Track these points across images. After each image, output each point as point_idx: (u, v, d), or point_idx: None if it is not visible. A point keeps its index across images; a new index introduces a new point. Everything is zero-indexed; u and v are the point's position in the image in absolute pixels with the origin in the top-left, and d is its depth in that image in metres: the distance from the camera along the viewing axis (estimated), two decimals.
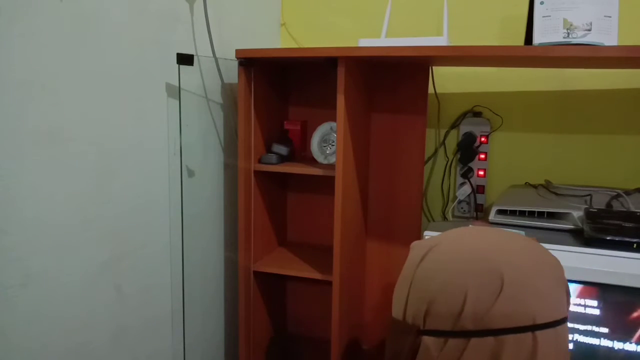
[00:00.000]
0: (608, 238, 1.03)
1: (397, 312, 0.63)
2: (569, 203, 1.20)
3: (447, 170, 1.56)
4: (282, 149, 1.41)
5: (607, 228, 1.05)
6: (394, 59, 1.31)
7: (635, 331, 0.99)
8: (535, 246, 0.62)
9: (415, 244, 0.67)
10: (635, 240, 1.01)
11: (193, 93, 1.29)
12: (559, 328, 0.56)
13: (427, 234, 1.14)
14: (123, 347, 1.12)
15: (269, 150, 1.43)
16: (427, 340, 0.58)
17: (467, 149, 1.50)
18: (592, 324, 1.02)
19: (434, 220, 1.59)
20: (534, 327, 0.55)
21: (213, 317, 1.46)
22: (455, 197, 1.55)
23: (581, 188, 1.31)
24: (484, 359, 0.54)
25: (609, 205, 1.18)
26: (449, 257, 0.60)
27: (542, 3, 1.07)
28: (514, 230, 1.15)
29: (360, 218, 1.47)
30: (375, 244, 1.56)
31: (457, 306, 0.56)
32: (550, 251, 1.02)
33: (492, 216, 1.22)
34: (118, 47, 1.04)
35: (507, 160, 1.51)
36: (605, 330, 1.01)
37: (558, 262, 0.62)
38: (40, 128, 0.88)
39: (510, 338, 0.54)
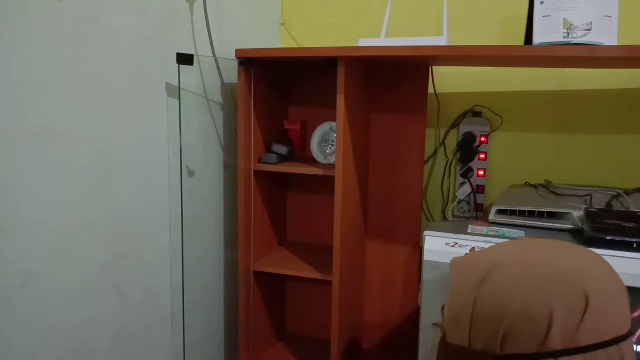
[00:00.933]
0: (608, 238, 1.03)
1: (458, 338, 0.59)
2: (569, 203, 1.20)
3: (447, 170, 1.56)
4: (282, 149, 1.41)
5: (607, 228, 1.05)
6: (394, 59, 1.31)
7: (636, 331, 0.99)
8: (596, 255, 0.61)
9: (459, 261, 0.63)
10: (635, 240, 1.01)
11: (193, 93, 1.29)
12: (632, 338, 0.56)
13: (427, 234, 1.14)
14: (123, 347, 1.12)
15: (269, 150, 1.43)
16: None
17: (467, 149, 1.50)
18: None
19: (434, 220, 1.59)
20: (619, 340, 0.54)
21: (213, 317, 1.46)
22: (455, 197, 1.55)
23: (581, 188, 1.31)
24: None
25: (609, 205, 1.18)
26: (522, 277, 0.57)
27: (542, 3, 1.07)
28: (514, 230, 1.15)
29: (360, 218, 1.47)
30: (375, 244, 1.56)
31: (542, 328, 0.54)
32: None
33: (492, 216, 1.22)
34: (118, 47, 1.04)
35: (507, 160, 1.51)
36: None
37: (613, 269, 0.61)
38: (40, 128, 0.88)
39: (600, 353, 0.53)
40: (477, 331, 0.57)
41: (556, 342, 0.53)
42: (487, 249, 0.63)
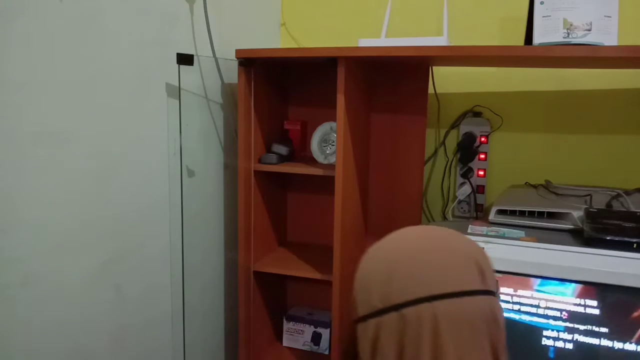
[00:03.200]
0: (608, 238, 1.03)
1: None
2: (569, 203, 1.20)
3: (447, 170, 1.56)
4: (282, 149, 1.41)
5: (607, 228, 1.05)
6: (394, 59, 1.31)
7: (635, 331, 0.99)
8: (440, 232, 0.68)
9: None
10: (635, 240, 1.01)
11: (193, 93, 1.29)
12: (465, 299, 0.61)
13: None
14: (123, 347, 1.12)
15: (269, 150, 1.43)
16: (357, 327, 0.67)
17: (467, 149, 1.50)
18: (592, 324, 1.02)
19: (434, 220, 1.59)
20: (431, 298, 0.61)
21: (213, 317, 1.46)
22: (455, 197, 1.55)
23: (581, 188, 1.31)
24: (394, 331, 0.61)
25: (609, 205, 1.18)
26: (366, 259, 0.69)
27: (542, 3, 1.07)
28: (514, 231, 1.15)
29: (360, 218, 1.47)
30: None
31: (367, 291, 0.65)
32: (551, 251, 1.03)
33: (492, 216, 1.22)
34: (118, 47, 1.04)
35: (507, 160, 1.51)
36: (605, 330, 1.01)
37: (470, 244, 0.68)
38: (40, 128, 0.88)
39: (411, 310, 0.61)
40: (352, 306, 0.70)
41: (377, 302, 0.63)
42: None
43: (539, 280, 1.05)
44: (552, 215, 1.18)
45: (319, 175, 1.31)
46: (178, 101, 1.22)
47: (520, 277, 1.06)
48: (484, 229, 1.17)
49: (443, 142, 1.56)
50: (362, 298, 0.65)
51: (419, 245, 0.65)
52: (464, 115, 1.52)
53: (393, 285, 0.62)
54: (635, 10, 1.34)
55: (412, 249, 0.65)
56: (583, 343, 1.03)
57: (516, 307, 1.07)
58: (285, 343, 1.59)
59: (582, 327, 1.02)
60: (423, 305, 0.60)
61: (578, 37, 1.04)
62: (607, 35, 1.03)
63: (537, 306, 1.05)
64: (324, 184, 1.59)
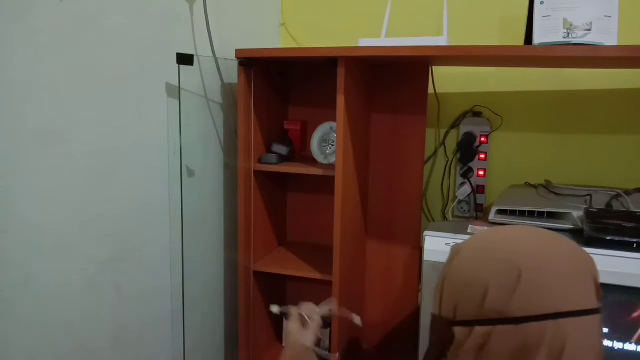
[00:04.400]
0: (608, 238, 1.03)
1: (434, 308, 0.69)
2: (569, 203, 1.20)
3: (447, 170, 1.56)
4: (282, 149, 1.40)
5: (607, 228, 1.05)
6: (394, 59, 1.31)
7: (635, 331, 0.99)
8: (558, 239, 0.64)
9: (452, 246, 0.72)
10: (635, 240, 1.01)
11: (193, 93, 1.29)
12: (585, 318, 0.57)
13: (427, 234, 1.14)
14: (123, 348, 1.12)
15: (269, 150, 1.43)
16: (457, 330, 0.63)
17: (467, 149, 1.50)
18: None
19: (434, 220, 1.59)
20: (557, 315, 0.56)
21: (213, 317, 1.46)
22: (455, 197, 1.55)
23: (581, 188, 1.31)
24: (509, 346, 0.57)
25: (609, 205, 1.18)
26: (474, 254, 0.64)
27: (542, 3, 1.07)
28: None
29: (360, 218, 1.47)
30: (375, 244, 1.56)
31: (480, 297, 0.60)
32: None
33: (492, 216, 1.22)
34: (118, 47, 1.04)
35: (507, 160, 1.51)
36: (605, 330, 1.01)
37: (586, 255, 0.63)
38: (40, 128, 0.88)
39: (533, 326, 0.56)
40: (444, 302, 0.66)
41: (491, 311, 0.59)
42: (472, 236, 0.71)
43: None
44: (552, 215, 1.18)
45: (319, 175, 1.31)
46: (178, 101, 1.22)
47: None
48: (484, 229, 1.17)
49: (443, 142, 1.56)
50: (467, 301, 0.61)
51: (542, 254, 0.60)
52: (464, 115, 1.52)
53: (516, 296, 0.57)
54: (635, 10, 1.34)
55: (535, 258, 0.59)
56: None
57: None
58: (285, 343, 1.59)
59: None
60: (547, 323, 0.56)
61: (578, 37, 1.04)
62: (607, 35, 1.03)
63: None
64: (324, 184, 1.59)
